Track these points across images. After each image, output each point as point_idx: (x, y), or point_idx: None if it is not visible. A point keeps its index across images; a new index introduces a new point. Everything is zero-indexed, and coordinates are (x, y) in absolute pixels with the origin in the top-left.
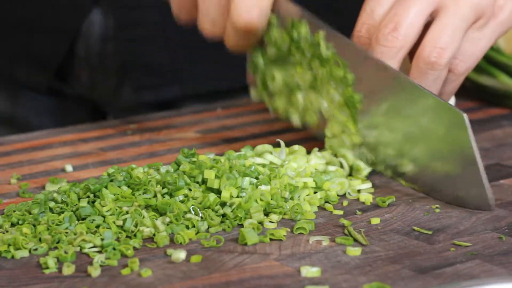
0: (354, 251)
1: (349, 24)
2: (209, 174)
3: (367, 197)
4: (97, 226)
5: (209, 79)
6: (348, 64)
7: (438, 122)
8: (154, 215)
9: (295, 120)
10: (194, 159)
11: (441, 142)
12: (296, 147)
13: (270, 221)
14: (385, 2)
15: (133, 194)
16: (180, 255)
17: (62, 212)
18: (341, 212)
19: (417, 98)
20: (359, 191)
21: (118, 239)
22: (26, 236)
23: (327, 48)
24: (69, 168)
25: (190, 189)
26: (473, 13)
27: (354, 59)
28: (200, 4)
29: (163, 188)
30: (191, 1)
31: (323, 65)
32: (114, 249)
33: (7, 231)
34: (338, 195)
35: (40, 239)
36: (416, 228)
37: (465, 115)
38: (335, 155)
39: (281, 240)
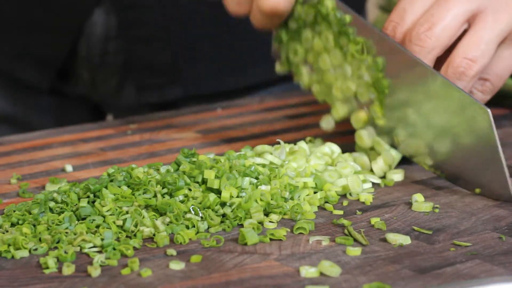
0: (354, 251)
1: None
2: (209, 174)
3: (367, 197)
4: (97, 226)
5: (212, 80)
6: (376, 50)
7: (462, 115)
8: (154, 215)
9: (317, 92)
10: (194, 159)
11: (465, 133)
12: (296, 147)
13: (270, 221)
14: (419, 4)
15: (133, 194)
16: (180, 265)
17: (62, 212)
18: (341, 212)
19: (443, 91)
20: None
21: (118, 239)
22: (26, 236)
23: (354, 37)
24: (69, 168)
25: (190, 189)
26: (509, 28)
27: (381, 47)
28: None
29: (163, 188)
30: None
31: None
32: (114, 249)
33: (7, 231)
34: (338, 195)
35: (40, 239)
36: (416, 228)
37: (489, 111)
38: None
39: (281, 240)
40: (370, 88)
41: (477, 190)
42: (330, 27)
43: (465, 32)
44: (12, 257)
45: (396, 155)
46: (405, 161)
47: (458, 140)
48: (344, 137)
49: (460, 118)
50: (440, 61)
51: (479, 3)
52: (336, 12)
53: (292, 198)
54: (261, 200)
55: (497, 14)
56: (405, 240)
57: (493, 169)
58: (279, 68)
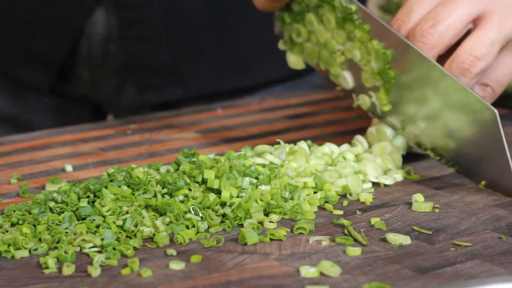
0: (354, 251)
1: None
2: (209, 174)
3: (367, 197)
4: (97, 226)
5: (212, 80)
6: (383, 43)
7: (469, 112)
8: (154, 215)
9: (322, 69)
10: (194, 159)
11: (472, 129)
12: (296, 147)
13: (270, 221)
14: (426, 4)
15: (133, 194)
16: (180, 265)
17: (62, 212)
18: (341, 212)
19: (450, 88)
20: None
21: (118, 239)
22: (26, 236)
23: (359, 23)
24: (69, 168)
25: (190, 189)
26: None
27: (386, 38)
28: None
29: (163, 188)
30: None
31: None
32: (114, 249)
33: (7, 231)
34: (338, 195)
35: (40, 239)
36: (416, 228)
37: (495, 111)
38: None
39: (281, 240)
40: (376, 76)
41: (482, 183)
42: (333, 11)
43: (468, 33)
44: (12, 257)
45: (396, 156)
46: (406, 161)
47: (464, 134)
48: (345, 137)
49: (467, 114)
50: (442, 60)
51: (485, 6)
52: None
53: (292, 198)
54: (261, 200)
55: (504, 18)
56: (405, 240)
57: (499, 165)
58: (282, 46)
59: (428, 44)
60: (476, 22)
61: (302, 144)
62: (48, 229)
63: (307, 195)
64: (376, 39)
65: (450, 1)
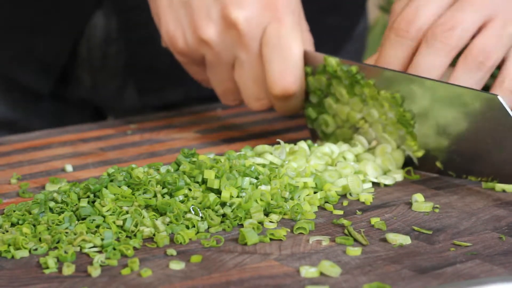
0: (354, 251)
1: (348, 24)
2: (209, 174)
3: (367, 197)
4: (97, 226)
5: None
6: (390, 89)
7: (474, 107)
8: (154, 215)
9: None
10: (194, 159)
11: (480, 122)
12: (296, 147)
13: (270, 221)
14: (432, 5)
15: (133, 194)
16: (180, 265)
17: (62, 212)
18: (341, 212)
19: (454, 95)
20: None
21: (118, 239)
22: (26, 236)
23: (365, 81)
24: (69, 168)
25: (190, 189)
26: None
27: (391, 83)
28: (240, 84)
29: (163, 188)
30: (233, 85)
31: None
32: (114, 249)
33: (7, 231)
34: (338, 195)
35: (40, 239)
36: (416, 228)
37: (498, 96)
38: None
39: (281, 240)
40: (397, 125)
41: (489, 184)
42: (341, 82)
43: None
44: (12, 257)
45: (398, 156)
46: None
47: (473, 129)
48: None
49: (473, 110)
50: None
51: (495, 8)
52: (342, 66)
53: (292, 198)
54: (261, 200)
55: (511, 16)
56: (405, 240)
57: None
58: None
59: (450, 45)
60: (483, 24)
61: (302, 144)
62: (48, 229)
63: (307, 195)
64: (383, 89)
65: (463, 5)
